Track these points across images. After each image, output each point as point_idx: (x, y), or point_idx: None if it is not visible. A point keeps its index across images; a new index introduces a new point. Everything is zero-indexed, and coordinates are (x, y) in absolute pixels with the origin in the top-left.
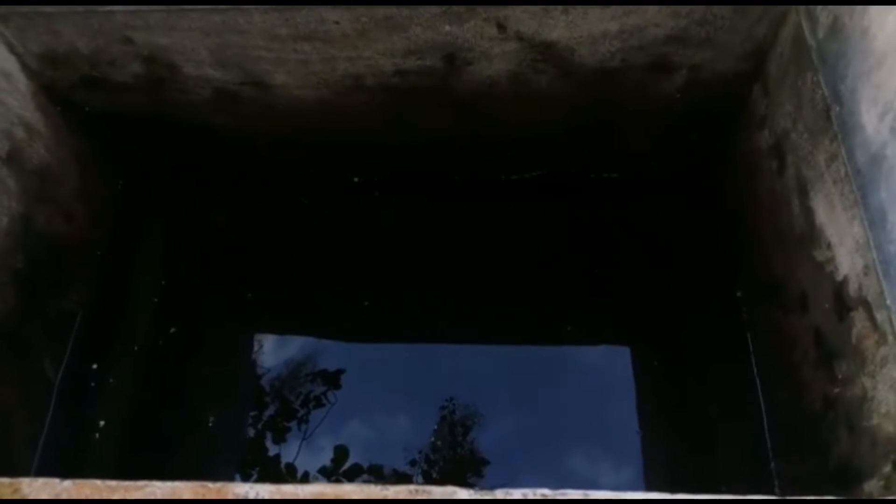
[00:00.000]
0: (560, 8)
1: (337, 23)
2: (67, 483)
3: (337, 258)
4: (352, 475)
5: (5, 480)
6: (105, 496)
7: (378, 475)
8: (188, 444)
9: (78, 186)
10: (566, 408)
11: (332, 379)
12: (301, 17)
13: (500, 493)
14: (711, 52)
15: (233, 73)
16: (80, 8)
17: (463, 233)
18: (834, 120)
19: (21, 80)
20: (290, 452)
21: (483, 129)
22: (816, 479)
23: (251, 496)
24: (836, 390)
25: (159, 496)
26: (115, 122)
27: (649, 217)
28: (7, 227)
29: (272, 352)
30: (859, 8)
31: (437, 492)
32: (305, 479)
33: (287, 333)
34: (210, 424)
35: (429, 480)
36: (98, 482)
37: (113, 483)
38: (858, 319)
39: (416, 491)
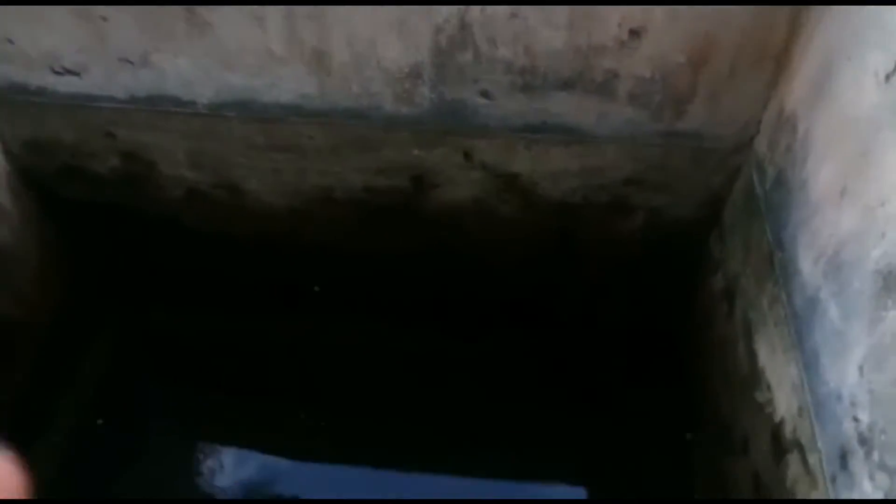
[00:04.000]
0: (523, 143)
1: (311, 138)
2: None
3: (291, 371)
4: None
5: None
6: None
7: None
8: None
9: (36, 271)
10: None
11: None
12: (278, 130)
13: None
14: (669, 197)
15: (207, 175)
16: (69, 101)
17: (414, 356)
18: (777, 265)
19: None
20: None
21: (444, 251)
22: None
23: None
24: None
25: None
26: (85, 212)
27: (603, 355)
28: None
29: (214, 464)
30: (799, 160)
31: None
32: None
33: (231, 446)
34: None
35: None
36: None
37: None
38: (793, 462)
39: None
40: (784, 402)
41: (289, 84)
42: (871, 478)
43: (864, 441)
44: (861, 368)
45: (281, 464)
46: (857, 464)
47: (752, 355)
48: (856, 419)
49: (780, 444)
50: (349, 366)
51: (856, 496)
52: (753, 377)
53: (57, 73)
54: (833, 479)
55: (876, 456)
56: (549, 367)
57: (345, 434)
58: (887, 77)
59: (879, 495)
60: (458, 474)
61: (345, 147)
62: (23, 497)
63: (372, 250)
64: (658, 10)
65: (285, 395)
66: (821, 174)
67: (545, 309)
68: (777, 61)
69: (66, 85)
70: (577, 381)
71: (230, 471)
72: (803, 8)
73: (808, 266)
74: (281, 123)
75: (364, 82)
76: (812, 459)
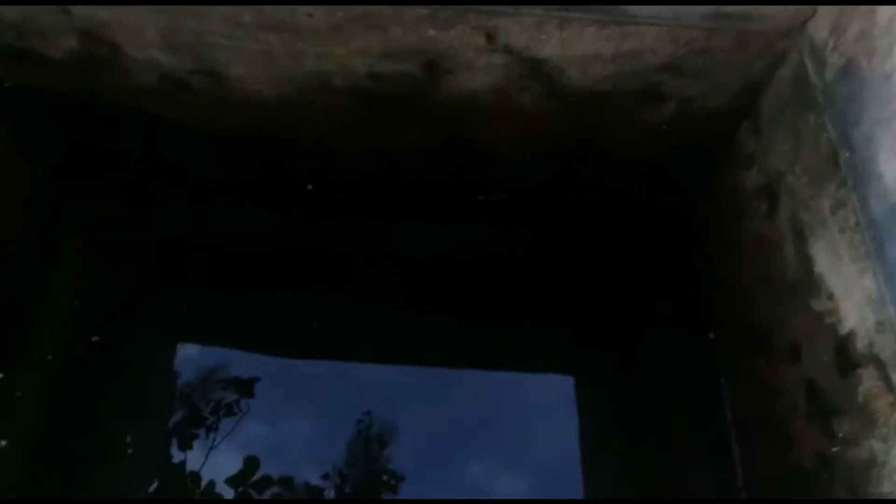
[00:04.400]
0: (555, 22)
1: (310, 15)
2: None
3: (278, 270)
4: (261, 487)
5: None
6: None
7: (288, 487)
8: (103, 463)
9: None
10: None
11: (257, 392)
12: (270, 6)
13: None
14: (704, 84)
15: (184, 60)
16: None
17: (414, 253)
18: (843, 166)
19: None
20: (197, 462)
21: (455, 145)
22: None
23: None
24: (835, 450)
25: None
26: (39, 103)
27: (620, 250)
28: None
29: (197, 364)
30: (881, 52)
31: None
32: (212, 488)
33: (219, 347)
34: (127, 440)
35: (341, 495)
36: None
37: None
38: (867, 377)
39: None
40: (854, 314)
41: None
42: None
43: None
44: None
45: (272, 362)
46: None
47: (806, 260)
48: None
49: (847, 357)
50: (345, 268)
51: None
52: (808, 283)
53: None
54: None
55: None
56: (565, 263)
57: (339, 333)
58: None
59: None
60: (454, 366)
61: (348, 26)
62: None
63: (373, 146)
64: None
65: (275, 296)
66: None
67: (560, 206)
68: None
69: None
70: (591, 278)
71: (220, 372)
72: None
73: (891, 171)
74: None
75: None
76: (895, 377)
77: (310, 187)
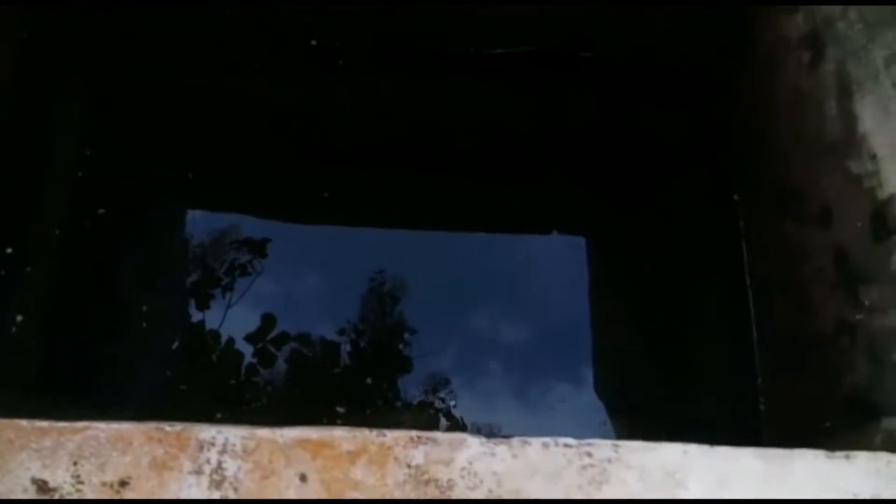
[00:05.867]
0: None
1: None
2: None
3: (285, 134)
4: (279, 343)
5: None
6: (33, 440)
7: (305, 343)
8: (120, 334)
9: None
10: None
11: (270, 254)
12: None
13: (515, 442)
14: None
15: None
16: None
17: (430, 112)
18: None
19: None
20: (215, 321)
21: None
22: (816, 404)
23: (219, 442)
24: (859, 317)
25: (102, 440)
26: None
27: (646, 106)
28: None
29: (208, 228)
30: None
31: (444, 439)
32: (231, 344)
33: (226, 211)
34: (144, 310)
35: (356, 348)
36: (24, 423)
37: (44, 424)
38: None
39: (419, 438)
40: None
41: None
42: None
43: None
44: None
45: (283, 226)
46: None
47: (850, 118)
48: None
49: (884, 224)
50: (355, 129)
51: None
52: (848, 143)
53: None
54: None
55: None
56: (582, 119)
57: (349, 197)
58: None
59: None
60: (474, 229)
61: None
62: None
63: None
64: None
65: (282, 161)
66: None
67: (583, 59)
68: None
69: None
70: (610, 137)
71: (232, 233)
72: None
73: None
74: None
75: None
76: None
77: (314, 43)
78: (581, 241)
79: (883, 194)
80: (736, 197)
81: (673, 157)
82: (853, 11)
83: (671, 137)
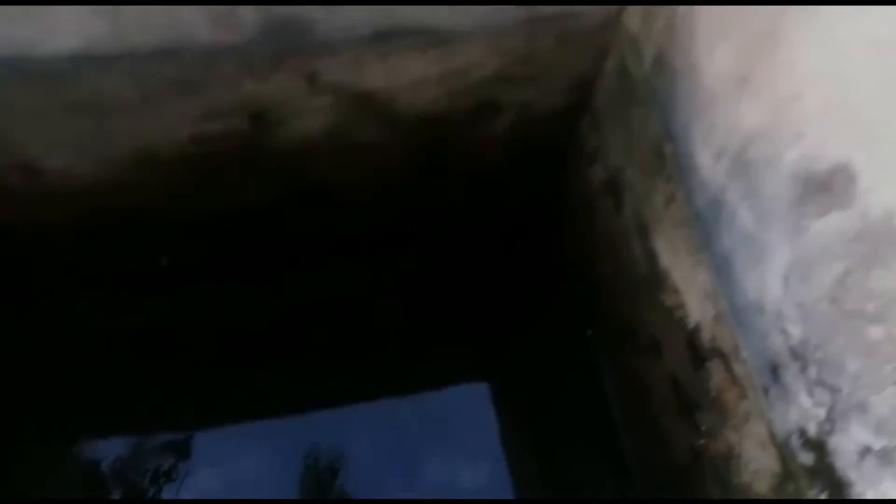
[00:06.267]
0: (374, 55)
1: (113, 90)
2: None
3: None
4: None
5: None
6: None
7: None
8: None
9: None
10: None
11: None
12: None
13: None
14: (537, 88)
15: None
16: None
17: (289, 306)
18: (668, 159)
19: None
20: None
21: (303, 194)
22: None
23: None
24: (701, 442)
25: None
26: None
27: (492, 263)
28: None
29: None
30: (683, 39)
31: None
32: None
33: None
34: None
35: None
36: None
37: None
38: (715, 371)
39: None
40: (697, 307)
41: (68, 27)
42: (810, 393)
43: (797, 356)
44: (786, 279)
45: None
46: (792, 378)
47: (652, 256)
48: (784, 332)
49: (697, 352)
50: (226, 337)
51: (793, 410)
52: (656, 279)
53: None
54: (766, 391)
55: (813, 372)
56: (433, 286)
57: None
58: None
59: (821, 411)
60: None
61: (157, 95)
62: None
63: (213, 210)
64: None
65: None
66: (715, 58)
67: (417, 233)
68: None
69: None
70: (461, 295)
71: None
72: None
73: (707, 163)
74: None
75: (167, 11)
76: (738, 369)
77: (164, 262)
78: (473, 391)
79: (690, 324)
80: (589, 333)
81: (531, 305)
82: (634, 161)
83: (526, 287)
